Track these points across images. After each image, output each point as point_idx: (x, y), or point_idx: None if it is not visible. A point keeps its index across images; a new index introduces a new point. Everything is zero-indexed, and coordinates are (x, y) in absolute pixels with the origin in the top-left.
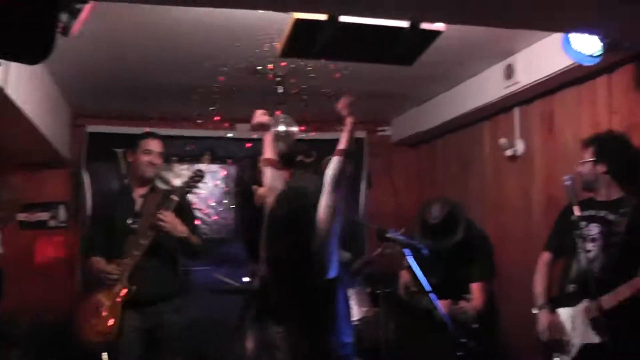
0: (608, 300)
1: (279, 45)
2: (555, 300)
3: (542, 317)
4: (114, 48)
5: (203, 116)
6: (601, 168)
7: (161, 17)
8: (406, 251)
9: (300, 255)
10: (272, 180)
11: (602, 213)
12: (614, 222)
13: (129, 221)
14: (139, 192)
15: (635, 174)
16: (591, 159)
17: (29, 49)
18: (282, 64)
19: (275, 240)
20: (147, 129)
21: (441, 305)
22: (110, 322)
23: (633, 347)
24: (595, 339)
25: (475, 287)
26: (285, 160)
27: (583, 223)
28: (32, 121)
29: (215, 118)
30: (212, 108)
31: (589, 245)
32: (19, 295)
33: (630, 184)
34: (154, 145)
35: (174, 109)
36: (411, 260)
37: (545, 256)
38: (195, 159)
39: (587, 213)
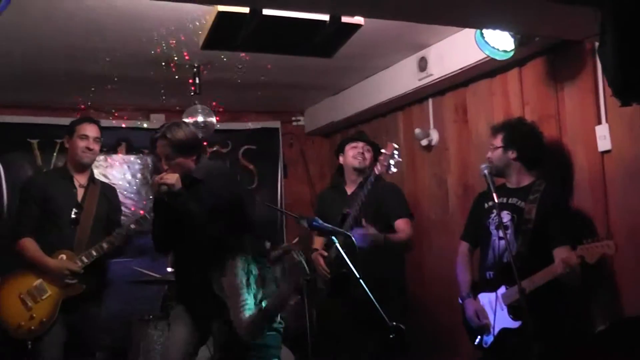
0: (525, 286)
1: (200, 37)
2: (476, 287)
3: (469, 306)
4: (22, 36)
5: (118, 105)
6: (512, 154)
7: (74, 3)
8: (333, 238)
9: (204, 251)
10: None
11: (512, 200)
12: (524, 209)
13: (73, 213)
14: (79, 181)
15: (543, 160)
16: (501, 145)
17: None
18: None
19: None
20: (78, 115)
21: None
22: (47, 312)
23: (546, 330)
24: (513, 324)
25: (400, 222)
26: (181, 149)
27: (495, 211)
28: None
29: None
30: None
31: (502, 233)
32: None
33: (539, 170)
34: (90, 130)
35: (88, 99)
36: (339, 247)
37: (463, 246)
38: (111, 149)
39: (498, 200)
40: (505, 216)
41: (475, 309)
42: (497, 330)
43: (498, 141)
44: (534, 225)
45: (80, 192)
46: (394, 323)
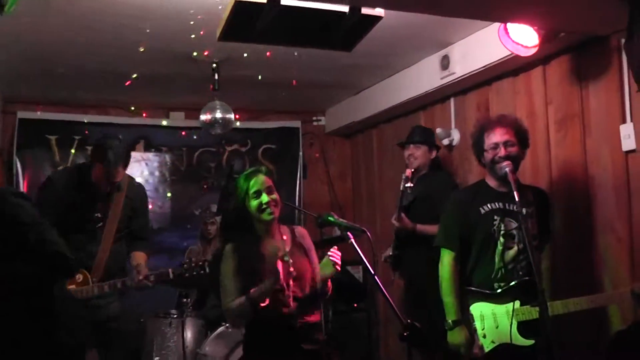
0: (556, 308)
1: (217, 28)
2: (466, 292)
3: (460, 334)
4: (43, 32)
5: (137, 103)
6: (522, 154)
7: (94, 1)
8: (348, 234)
9: None
10: None
11: (511, 206)
12: (528, 221)
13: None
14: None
15: None
16: (516, 141)
17: None
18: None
19: None
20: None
21: None
22: None
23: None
24: (523, 341)
25: None
26: None
27: (497, 217)
28: None
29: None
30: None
31: (509, 242)
32: None
33: None
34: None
35: (107, 95)
36: (354, 243)
37: (449, 257)
38: (129, 146)
39: (494, 206)
40: (509, 224)
41: (466, 337)
42: (496, 344)
43: (511, 136)
44: (538, 242)
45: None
46: (409, 320)
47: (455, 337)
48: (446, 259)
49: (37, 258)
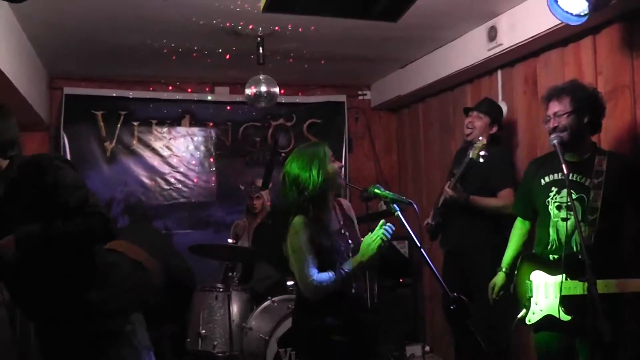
0: (603, 287)
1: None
2: (530, 258)
3: (496, 278)
4: (87, 8)
5: (182, 78)
6: (585, 120)
7: None
8: (395, 206)
9: None
10: None
11: (575, 176)
12: (590, 191)
13: None
14: None
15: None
16: (570, 110)
17: None
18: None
19: None
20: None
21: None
22: None
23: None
24: (563, 316)
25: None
26: None
27: (555, 188)
28: (12, 82)
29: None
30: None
31: (565, 214)
32: None
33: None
34: None
35: (152, 71)
36: (400, 215)
37: (517, 219)
38: (175, 121)
39: (555, 177)
40: (568, 195)
41: (497, 282)
42: (542, 315)
43: (565, 105)
44: (600, 215)
45: None
46: (455, 294)
47: (493, 280)
48: (516, 222)
49: (77, 218)
